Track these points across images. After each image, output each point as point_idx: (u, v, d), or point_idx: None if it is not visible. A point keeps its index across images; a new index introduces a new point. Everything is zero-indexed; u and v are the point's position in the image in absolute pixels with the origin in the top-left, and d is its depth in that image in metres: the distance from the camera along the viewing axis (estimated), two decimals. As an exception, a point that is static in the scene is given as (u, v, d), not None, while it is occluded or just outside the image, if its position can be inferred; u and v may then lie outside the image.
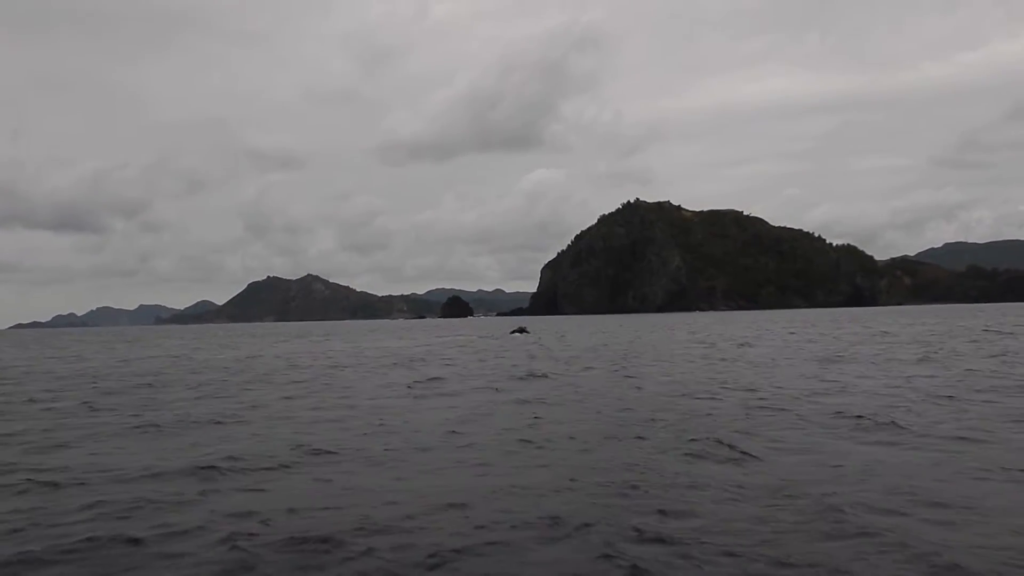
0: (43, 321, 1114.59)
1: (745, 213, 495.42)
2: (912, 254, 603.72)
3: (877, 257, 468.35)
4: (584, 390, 19.72)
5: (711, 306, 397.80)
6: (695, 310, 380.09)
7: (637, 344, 46.73)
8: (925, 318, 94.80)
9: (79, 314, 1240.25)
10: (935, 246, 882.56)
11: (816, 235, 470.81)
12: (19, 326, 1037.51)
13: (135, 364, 39.63)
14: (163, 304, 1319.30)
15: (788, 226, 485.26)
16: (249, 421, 15.84)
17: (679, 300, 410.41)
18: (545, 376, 24.15)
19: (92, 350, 63.09)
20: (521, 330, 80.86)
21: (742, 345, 41.73)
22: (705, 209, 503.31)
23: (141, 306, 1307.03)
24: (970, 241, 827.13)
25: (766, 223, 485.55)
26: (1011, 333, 46.05)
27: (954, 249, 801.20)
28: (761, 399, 17.06)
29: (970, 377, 20.79)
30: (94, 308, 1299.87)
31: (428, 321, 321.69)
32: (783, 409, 15.39)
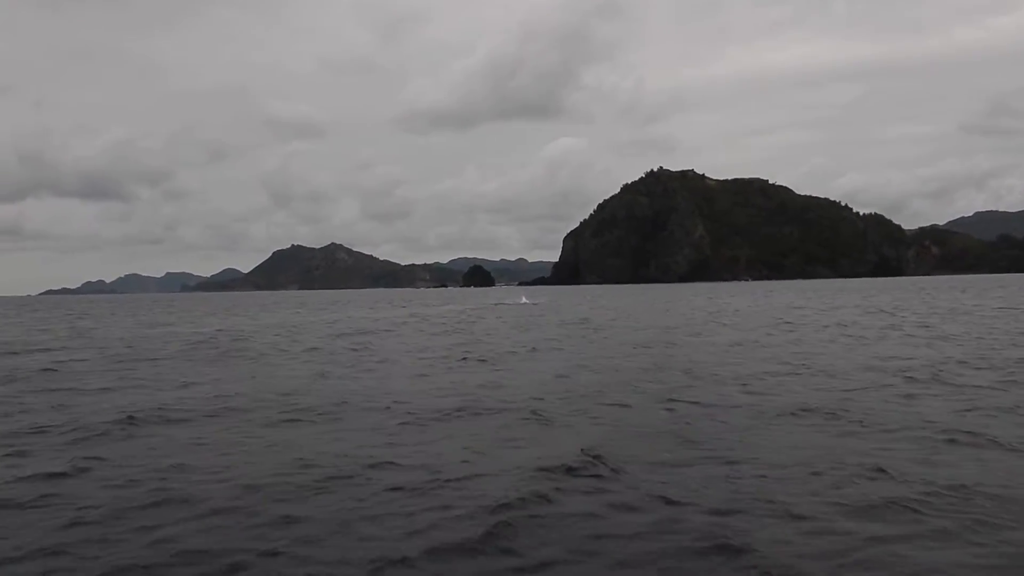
0: (72, 288, 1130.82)
1: (770, 182, 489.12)
2: (941, 223, 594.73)
3: (905, 227, 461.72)
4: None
5: (734, 276, 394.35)
6: (718, 280, 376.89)
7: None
8: (940, 291, 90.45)
9: (108, 281, 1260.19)
10: (965, 215, 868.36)
11: (843, 204, 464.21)
12: (49, 292, 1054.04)
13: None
14: (189, 271, 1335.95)
15: (814, 195, 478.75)
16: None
17: (702, 270, 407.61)
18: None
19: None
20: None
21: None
22: (730, 178, 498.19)
23: (168, 274, 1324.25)
24: (1001, 210, 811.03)
25: (791, 192, 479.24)
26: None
27: (985, 218, 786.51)
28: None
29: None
30: (122, 275, 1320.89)
31: (449, 291, 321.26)
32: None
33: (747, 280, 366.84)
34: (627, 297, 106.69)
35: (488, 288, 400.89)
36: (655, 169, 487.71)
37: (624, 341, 27.38)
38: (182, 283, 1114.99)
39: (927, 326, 31.05)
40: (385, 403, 13.47)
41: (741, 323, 36.39)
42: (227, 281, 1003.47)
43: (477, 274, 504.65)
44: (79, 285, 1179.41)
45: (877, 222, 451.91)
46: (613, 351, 23.17)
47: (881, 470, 8.16)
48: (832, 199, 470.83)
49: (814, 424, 10.82)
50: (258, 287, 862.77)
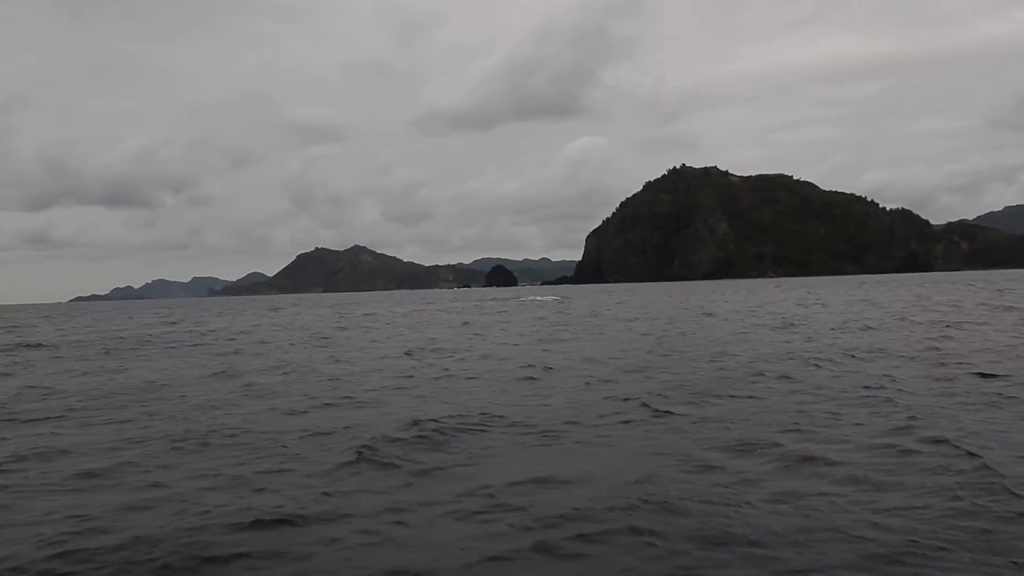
0: (101, 294, 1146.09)
1: (795, 178, 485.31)
2: (971, 218, 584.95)
3: (933, 222, 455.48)
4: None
5: (760, 273, 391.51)
6: (743, 277, 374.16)
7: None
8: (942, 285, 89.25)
9: (136, 287, 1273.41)
10: (995, 209, 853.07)
11: (868, 199, 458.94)
12: (79, 299, 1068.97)
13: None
14: (215, 276, 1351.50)
15: (839, 190, 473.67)
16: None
17: (727, 268, 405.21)
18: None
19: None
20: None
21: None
22: (753, 174, 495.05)
23: (194, 278, 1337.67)
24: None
25: (816, 188, 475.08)
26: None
27: (1016, 212, 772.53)
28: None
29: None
30: (150, 281, 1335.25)
31: (471, 291, 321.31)
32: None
33: (773, 277, 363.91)
34: (646, 295, 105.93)
35: (512, 288, 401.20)
36: (677, 166, 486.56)
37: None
38: (208, 287, 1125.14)
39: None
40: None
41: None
42: (252, 285, 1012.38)
43: (500, 274, 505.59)
44: (108, 291, 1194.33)
45: (904, 217, 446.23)
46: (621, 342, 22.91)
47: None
48: (858, 195, 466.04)
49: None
50: (283, 290, 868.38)
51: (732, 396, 12.56)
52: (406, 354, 22.18)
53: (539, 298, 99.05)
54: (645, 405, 11.73)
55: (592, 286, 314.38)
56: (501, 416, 11.21)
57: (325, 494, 7.40)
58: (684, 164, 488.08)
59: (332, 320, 52.37)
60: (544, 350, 21.81)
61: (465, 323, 41.05)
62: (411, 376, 16.83)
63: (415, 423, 10.60)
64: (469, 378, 16.18)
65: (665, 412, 11.03)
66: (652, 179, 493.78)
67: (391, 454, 8.90)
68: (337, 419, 11.57)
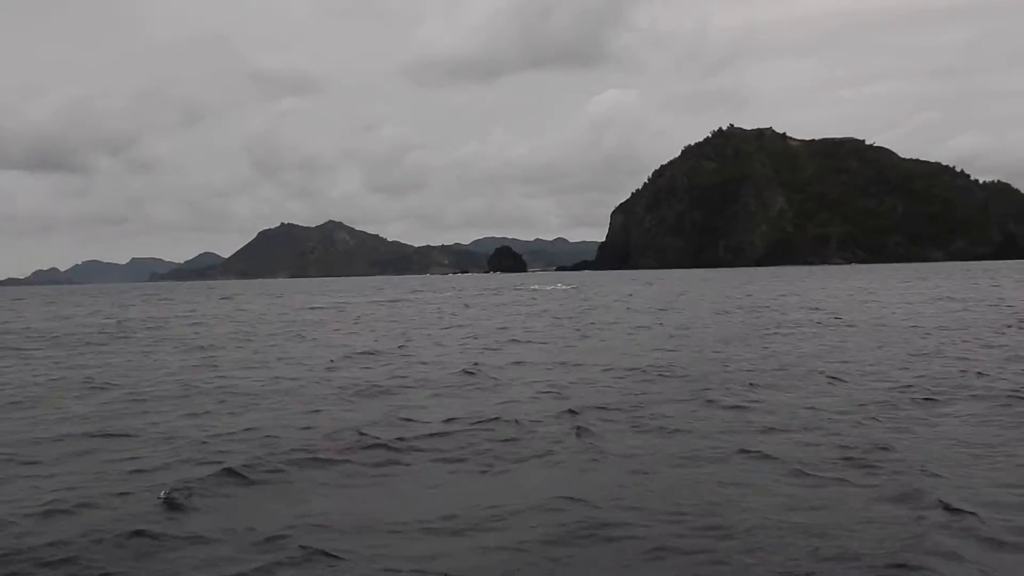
0: (20, 278, 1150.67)
1: (867, 143, 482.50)
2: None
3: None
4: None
5: (824, 259, 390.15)
6: (803, 264, 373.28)
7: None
8: None
9: (62, 269, 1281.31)
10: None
11: (958, 170, 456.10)
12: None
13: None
14: (160, 257, 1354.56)
15: (922, 159, 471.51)
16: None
17: (783, 251, 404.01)
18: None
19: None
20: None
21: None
22: (817, 138, 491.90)
23: (134, 260, 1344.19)
24: None
25: (894, 155, 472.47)
26: None
27: None
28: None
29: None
30: (80, 262, 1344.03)
31: (470, 277, 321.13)
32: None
33: (839, 263, 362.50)
34: (682, 283, 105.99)
35: (519, 274, 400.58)
36: (724, 128, 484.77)
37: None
38: (151, 271, 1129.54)
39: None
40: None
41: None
42: (204, 268, 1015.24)
43: (506, 257, 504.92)
44: (29, 274, 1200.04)
45: (1001, 192, 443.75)
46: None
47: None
48: (944, 164, 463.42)
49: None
50: (241, 274, 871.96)
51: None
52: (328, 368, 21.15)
53: (550, 287, 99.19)
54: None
55: (617, 273, 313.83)
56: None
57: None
58: (732, 125, 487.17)
59: (274, 313, 53.58)
60: (496, 366, 20.60)
61: (434, 319, 41.97)
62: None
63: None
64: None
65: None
66: (693, 143, 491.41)
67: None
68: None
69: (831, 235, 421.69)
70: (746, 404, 13.73)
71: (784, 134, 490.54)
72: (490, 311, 48.95)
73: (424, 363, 21.50)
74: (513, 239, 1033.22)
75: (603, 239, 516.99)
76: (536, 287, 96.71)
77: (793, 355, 20.76)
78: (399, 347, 26.52)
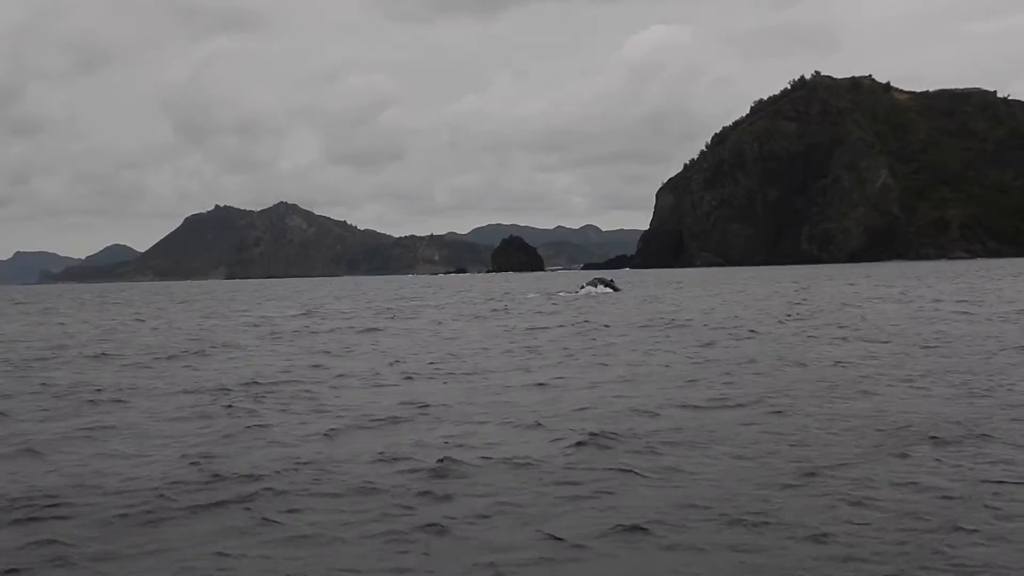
0: None
1: (1001, 95, 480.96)
2: None
3: None
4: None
5: (942, 252, 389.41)
6: (915, 259, 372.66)
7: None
8: None
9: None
10: None
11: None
12: None
13: None
14: (53, 251, 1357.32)
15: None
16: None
17: (887, 242, 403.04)
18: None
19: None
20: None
21: None
22: (932, 89, 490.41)
23: (18, 254, 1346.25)
24: None
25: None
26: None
27: None
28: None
29: None
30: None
31: (466, 278, 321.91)
32: None
33: (963, 257, 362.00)
34: (767, 285, 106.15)
35: (534, 274, 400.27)
36: (807, 76, 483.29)
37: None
38: (41, 268, 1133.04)
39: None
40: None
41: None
42: (112, 266, 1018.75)
43: (515, 251, 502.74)
44: None
45: None
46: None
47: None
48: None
49: None
50: (161, 274, 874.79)
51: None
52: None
53: (576, 291, 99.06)
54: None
55: (666, 272, 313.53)
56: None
57: None
58: (818, 73, 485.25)
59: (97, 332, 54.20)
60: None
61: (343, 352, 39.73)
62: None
63: None
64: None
65: None
66: (765, 97, 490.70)
67: None
68: None
69: (951, 219, 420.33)
70: None
71: (888, 84, 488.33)
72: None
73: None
74: (526, 227, 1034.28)
75: (645, 227, 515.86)
76: (569, 292, 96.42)
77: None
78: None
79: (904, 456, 15.05)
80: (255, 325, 59.12)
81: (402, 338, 44.51)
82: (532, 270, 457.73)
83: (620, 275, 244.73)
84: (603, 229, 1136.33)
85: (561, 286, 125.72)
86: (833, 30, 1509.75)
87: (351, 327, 53.68)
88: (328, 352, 37.20)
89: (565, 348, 35.92)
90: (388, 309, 77.80)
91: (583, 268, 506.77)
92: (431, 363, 31.55)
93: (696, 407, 20.35)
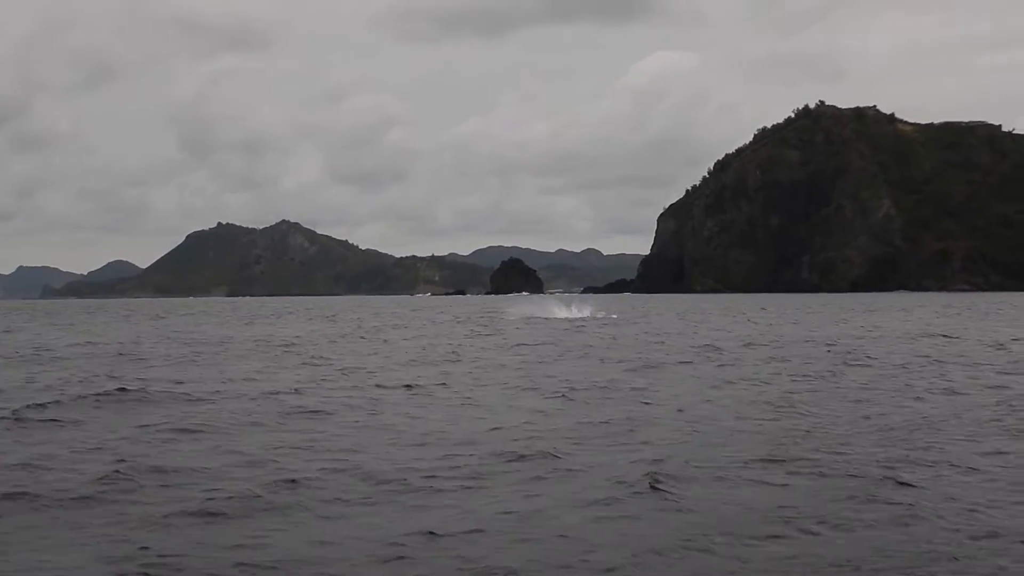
0: None
1: (1006, 129, 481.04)
2: None
3: None
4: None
5: (943, 283, 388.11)
6: (916, 289, 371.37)
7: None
8: None
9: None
10: None
11: None
12: None
13: None
14: (55, 266, 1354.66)
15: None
16: None
17: (888, 272, 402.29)
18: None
19: None
20: None
21: None
22: (937, 122, 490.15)
23: (21, 268, 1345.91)
24: None
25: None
26: None
27: None
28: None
29: None
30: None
31: (462, 300, 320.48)
32: None
33: (964, 290, 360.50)
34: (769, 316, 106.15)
35: (534, 297, 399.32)
36: (811, 105, 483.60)
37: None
38: (44, 283, 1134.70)
39: None
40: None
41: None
42: (114, 281, 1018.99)
43: (514, 274, 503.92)
44: None
45: None
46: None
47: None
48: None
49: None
50: (162, 291, 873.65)
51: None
52: None
53: (566, 313, 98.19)
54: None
55: (667, 297, 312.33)
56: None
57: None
58: (822, 102, 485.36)
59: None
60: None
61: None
62: None
63: None
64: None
65: None
66: (769, 126, 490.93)
67: None
68: None
69: (954, 251, 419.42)
70: None
71: (892, 115, 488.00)
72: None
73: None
74: (528, 249, 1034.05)
75: (647, 251, 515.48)
76: (563, 313, 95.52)
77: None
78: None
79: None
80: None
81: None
82: (530, 292, 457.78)
83: (617, 301, 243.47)
84: (605, 253, 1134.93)
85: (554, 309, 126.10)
86: (838, 60, 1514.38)
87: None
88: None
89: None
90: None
91: (583, 291, 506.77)
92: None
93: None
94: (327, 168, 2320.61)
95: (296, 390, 29.54)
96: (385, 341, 61.00)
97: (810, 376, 33.30)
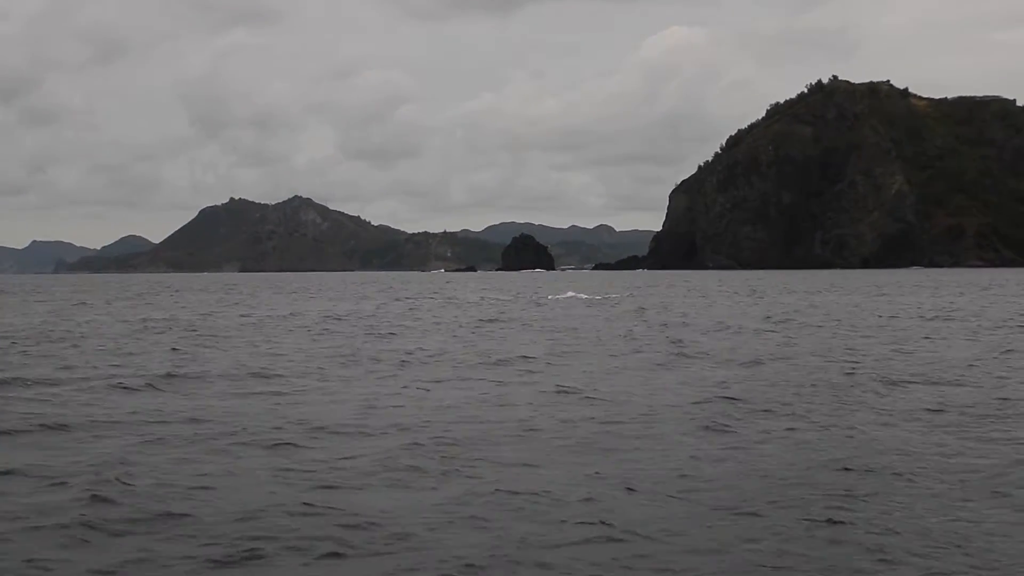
0: None
1: (1020, 104, 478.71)
2: None
3: None
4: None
5: (955, 259, 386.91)
6: (929, 266, 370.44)
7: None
8: None
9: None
10: None
11: None
12: None
13: None
14: (69, 241, 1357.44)
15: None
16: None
17: (901, 248, 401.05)
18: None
19: None
20: None
21: None
22: (950, 96, 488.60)
23: (35, 243, 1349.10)
24: None
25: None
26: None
27: None
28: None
29: None
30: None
31: (472, 276, 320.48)
32: None
33: (978, 266, 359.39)
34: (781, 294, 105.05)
35: (547, 273, 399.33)
36: (824, 80, 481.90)
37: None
38: (57, 258, 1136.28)
39: None
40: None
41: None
42: (127, 256, 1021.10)
43: (525, 250, 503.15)
44: None
45: None
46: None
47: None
48: None
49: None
50: (176, 265, 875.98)
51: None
52: None
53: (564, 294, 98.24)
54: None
55: (678, 274, 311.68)
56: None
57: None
58: (835, 77, 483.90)
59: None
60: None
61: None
62: None
63: None
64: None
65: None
66: (781, 101, 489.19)
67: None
68: None
69: (967, 226, 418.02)
70: None
71: (906, 90, 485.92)
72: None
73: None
74: (540, 226, 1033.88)
75: (659, 228, 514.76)
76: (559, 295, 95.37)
77: None
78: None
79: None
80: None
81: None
82: (542, 268, 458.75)
83: (628, 277, 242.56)
84: (617, 229, 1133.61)
85: (561, 288, 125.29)
86: (852, 35, 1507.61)
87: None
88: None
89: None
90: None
91: (594, 268, 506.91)
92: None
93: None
94: (339, 144, 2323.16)
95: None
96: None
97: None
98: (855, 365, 30.95)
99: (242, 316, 65.83)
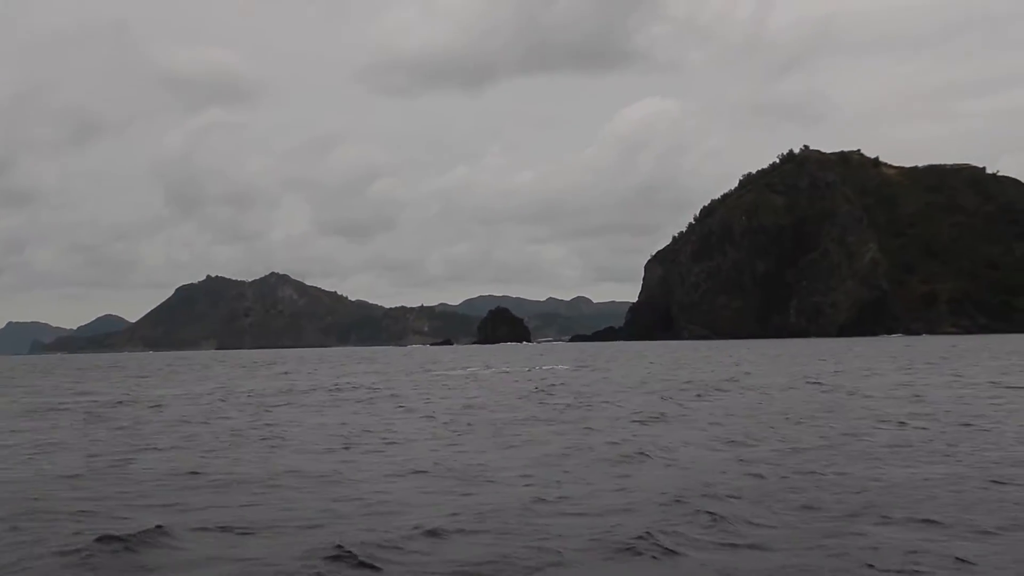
0: None
1: (990, 171, 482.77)
2: None
3: None
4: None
5: (929, 326, 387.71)
6: (903, 332, 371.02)
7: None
8: None
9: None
10: None
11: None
12: None
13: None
14: (45, 321, 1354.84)
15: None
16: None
17: (875, 316, 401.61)
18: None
19: None
20: None
21: None
22: (921, 165, 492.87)
23: (11, 324, 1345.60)
24: None
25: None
26: None
27: None
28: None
29: None
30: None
31: (447, 351, 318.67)
32: None
33: (951, 332, 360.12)
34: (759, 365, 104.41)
35: (522, 345, 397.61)
36: (796, 150, 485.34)
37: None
38: (33, 339, 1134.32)
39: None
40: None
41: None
42: (103, 335, 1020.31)
43: (501, 323, 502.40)
44: None
45: None
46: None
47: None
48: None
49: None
50: (151, 344, 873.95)
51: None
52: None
53: (542, 367, 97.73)
54: None
55: (651, 344, 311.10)
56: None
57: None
58: (807, 147, 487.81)
59: None
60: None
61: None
62: None
63: None
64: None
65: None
66: (754, 171, 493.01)
67: None
68: None
69: (940, 293, 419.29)
70: None
71: (877, 159, 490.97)
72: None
73: None
74: (518, 298, 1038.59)
75: (636, 298, 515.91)
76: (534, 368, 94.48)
77: None
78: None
79: None
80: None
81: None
82: (518, 340, 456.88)
83: (600, 349, 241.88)
84: (594, 301, 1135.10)
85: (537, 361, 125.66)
86: (822, 105, 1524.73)
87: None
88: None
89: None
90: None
91: (571, 340, 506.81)
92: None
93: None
94: (315, 220, 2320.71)
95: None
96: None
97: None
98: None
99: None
